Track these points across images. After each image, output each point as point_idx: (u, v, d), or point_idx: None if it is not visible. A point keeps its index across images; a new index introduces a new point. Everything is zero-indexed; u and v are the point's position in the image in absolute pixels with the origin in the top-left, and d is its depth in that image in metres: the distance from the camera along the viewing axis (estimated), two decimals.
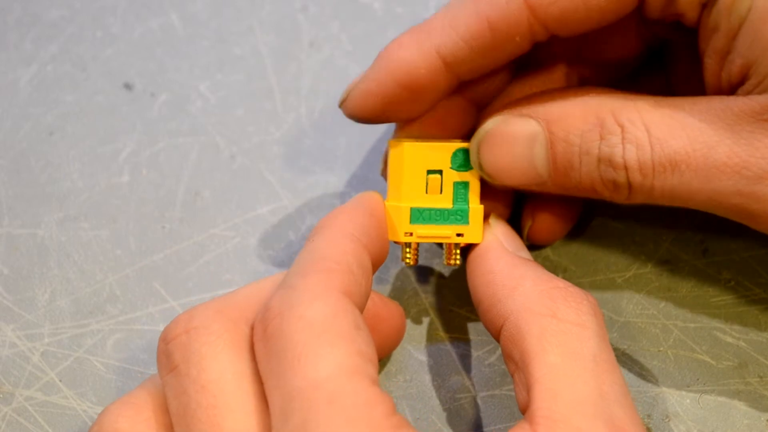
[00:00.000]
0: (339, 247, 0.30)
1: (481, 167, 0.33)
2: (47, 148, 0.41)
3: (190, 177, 0.40)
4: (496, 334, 0.32)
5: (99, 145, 0.41)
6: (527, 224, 0.37)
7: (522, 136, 0.33)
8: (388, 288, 0.38)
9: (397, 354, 0.37)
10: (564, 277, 0.37)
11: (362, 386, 0.27)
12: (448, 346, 0.37)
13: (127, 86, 0.42)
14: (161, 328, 0.37)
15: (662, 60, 0.36)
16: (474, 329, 0.37)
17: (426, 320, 0.37)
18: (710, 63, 0.32)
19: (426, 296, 0.38)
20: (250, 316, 0.30)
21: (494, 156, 0.33)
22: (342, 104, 0.34)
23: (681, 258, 0.38)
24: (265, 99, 0.42)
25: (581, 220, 0.38)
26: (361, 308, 0.30)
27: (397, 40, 0.33)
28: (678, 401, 0.35)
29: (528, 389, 0.29)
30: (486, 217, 0.35)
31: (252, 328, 0.29)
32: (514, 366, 0.30)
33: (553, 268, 0.38)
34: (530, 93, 0.36)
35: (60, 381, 0.37)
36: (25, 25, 0.43)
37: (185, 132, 0.41)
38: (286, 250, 0.39)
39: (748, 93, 0.31)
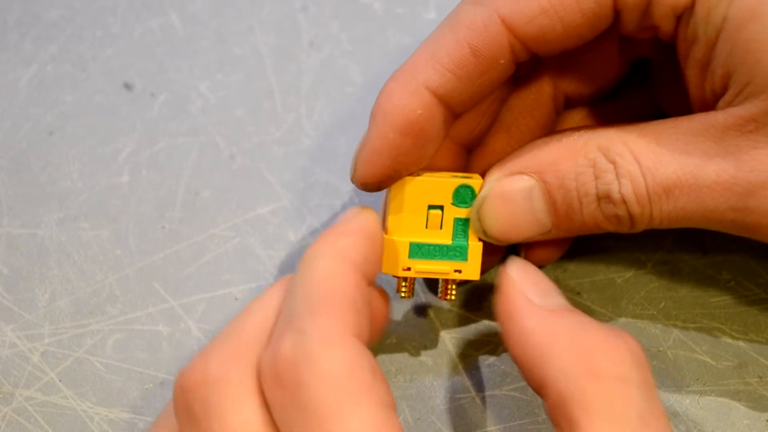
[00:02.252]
0: (344, 280, 0.29)
1: (485, 233, 0.33)
2: (47, 148, 0.41)
3: (190, 177, 0.40)
4: (539, 394, 0.31)
5: (99, 145, 0.41)
6: (522, 251, 0.37)
7: (518, 194, 0.33)
8: (388, 288, 0.38)
9: (397, 354, 0.37)
10: (564, 277, 0.37)
11: None
12: (448, 346, 0.37)
13: (127, 86, 0.42)
14: (161, 328, 0.37)
15: (645, 75, 0.36)
16: (474, 329, 0.37)
17: (426, 320, 0.37)
18: (692, 75, 0.32)
19: (426, 296, 0.38)
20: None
21: (496, 219, 0.33)
22: (353, 178, 0.33)
23: (681, 258, 0.38)
24: (265, 99, 0.42)
25: None
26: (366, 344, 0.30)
27: (385, 90, 0.32)
28: (678, 401, 0.35)
29: None
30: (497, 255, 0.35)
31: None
32: (560, 430, 0.29)
33: (553, 268, 0.38)
34: (520, 121, 0.36)
35: (60, 381, 0.37)
36: (25, 25, 0.43)
37: (185, 132, 0.41)
38: (286, 250, 0.39)
39: (729, 103, 0.31)
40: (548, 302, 0.31)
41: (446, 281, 0.34)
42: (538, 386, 0.30)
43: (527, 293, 0.31)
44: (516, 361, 0.31)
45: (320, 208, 0.40)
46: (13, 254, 0.39)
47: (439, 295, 0.35)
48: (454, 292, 0.34)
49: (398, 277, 0.34)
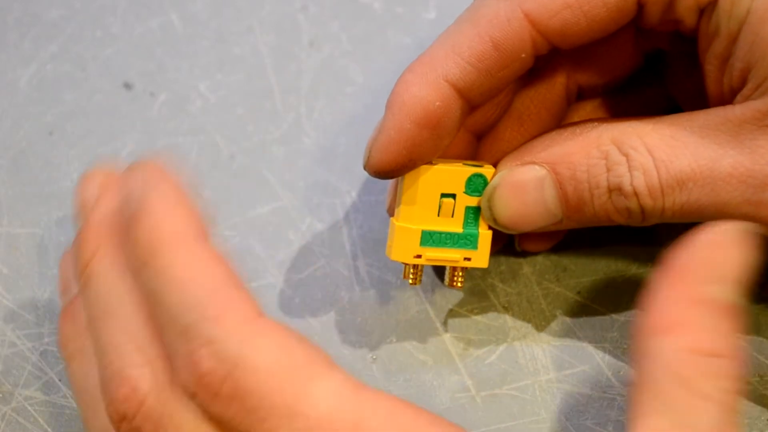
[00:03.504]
0: (213, 266, 0.28)
1: (495, 221, 0.33)
2: (47, 147, 0.41)
3: (190, 177, 0.40)
4: (632, 366, 0.30)
5: (99, 145, 0.41)
6: (516, 237, 0.37)
7: (530, 183, 0.33)
8: (388, 287, 0.38)
9: (397, 354, 0.37)
10: (564, 277, 0.37)
11: (369, 392, 0.27)
12: (448, 346, 0.37)
13: (127, 86, 0.42)
14: None
15: (659, 69, 0.36)
16: (474, 329, 0.37)
17: (426, 320, 0.37)
18: (711, 69, 0.32)
19: (426, 295, 0.38)
20: (159, 349, 0.28)
21: (506, 208, 0.33)
22: (366, 165, 0.33)
23: None
24: (265, 99, 0.42)
25: None
26: None
27: (403, 80, 0.32)
28: None
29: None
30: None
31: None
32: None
33: (554, 267, 0.38)
34: (532, 110, 0.36)
35: (59, 381, 0.37)
36: (25, 25, 0.43)
37: (185, 132, 0.41)
38: (285, 250, 0.39)
39: (747, 98, 0.31)
40: (711, 290, 0.28)
41: (453, 269, 0.34)
42: (637, 355, 0.27)
43: (701, 266, 0.28)
44: (640, 317, 0.28)
45: (320, 208, 0.40)
46: (13, 254, 0.39)
47: (446, 282, 0.35)
48: (461, 280, 0.35)
49: (406, 264, 0.34)
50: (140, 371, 0.28)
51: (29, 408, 0.36)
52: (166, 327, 0.28)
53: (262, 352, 0.27)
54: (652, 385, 0.27)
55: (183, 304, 0.27)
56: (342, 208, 0.40)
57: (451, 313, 0.37)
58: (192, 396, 0.27)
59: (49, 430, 0.36)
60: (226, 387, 0.26)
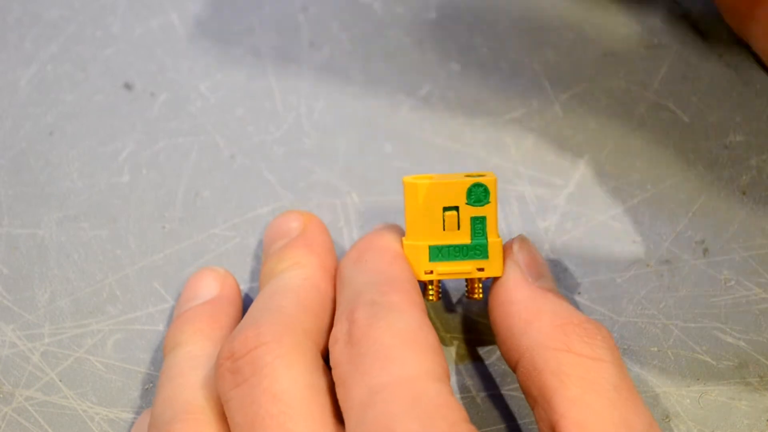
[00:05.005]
0: (401, 267, 0.33)
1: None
2: (47, 148, 0.41)
3: (190, 177, 0.40)
4: (512, 367, 0.32)
5: (99, 145, 0.41)
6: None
7: None
8: None
9: None
10: (564, 277, 0.37)
11: (446, 391, 0.28)
12: (448, 346, 0.37)
13: (127, 86, 0.42)
14: (161, 328, 0.37)
15: None
16: (474, 329, 0.37)
17: None
18: None
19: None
20: (312, 329, 0.31)
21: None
22: None
23: (681, 258, 0.38)
24: (265, 99, 0.42)
25: (581, 220, 0.38)
26: None
27: None
28: (678, 401, 0.35)
29: (553, 426, 0.29)
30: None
31: (319, 345, 0.31)
32: (533, 401, 0.31)
33: (554, 268, 0.38)
34: None
35: (60, 381, 0.37)
36: (25, 25, 0.43)
37: (185, 132, 0.41)
38: None
39: None
40: (540, 283, 0.33)
41: (472, 280, 0.34)
42: (513, 355, 0.32)
43: (524, 269, 0.33)
44: (496, 327, 0.33)
45: (320, 208, 0.40)
46: (13, 254, 0.39)
47: (467, 294, 0.35)
48: (481, 290, 0.35)
49: (423, 282, 0.34)
50: None
51: (30, 408, 0.36)
52: (344, 293, 0.32)
53: (402, 321, 0.30)
54: (546, 366, 0.30)
55: (364, 280, 0.32)
56: (342, 209, 0.40)
57: (451, 314, 0.37)
58: (335, 344, 0.30)
59: (49, 430, 0.36)
60: (361, 333, 0.30)
